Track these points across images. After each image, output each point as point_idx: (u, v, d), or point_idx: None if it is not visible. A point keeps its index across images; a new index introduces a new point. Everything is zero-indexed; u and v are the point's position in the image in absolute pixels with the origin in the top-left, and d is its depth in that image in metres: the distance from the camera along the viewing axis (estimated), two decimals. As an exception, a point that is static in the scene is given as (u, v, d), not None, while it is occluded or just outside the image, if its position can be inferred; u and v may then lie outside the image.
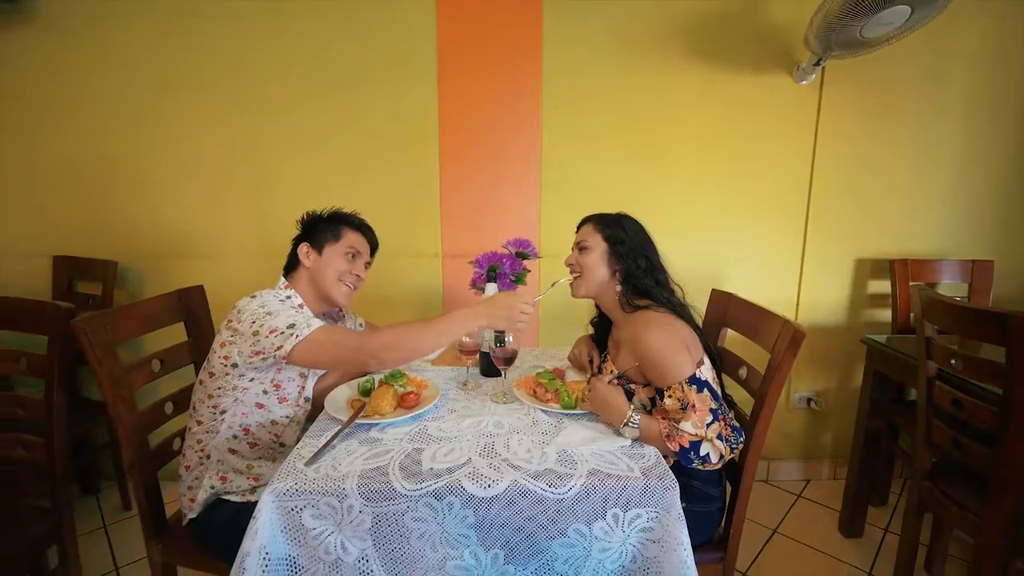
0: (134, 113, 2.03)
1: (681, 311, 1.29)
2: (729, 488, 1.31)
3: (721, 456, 1.13)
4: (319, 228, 1.36)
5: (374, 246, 1.46)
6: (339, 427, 1.12)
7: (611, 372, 1.40)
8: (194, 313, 1.50)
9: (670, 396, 1.19)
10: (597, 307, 1.48)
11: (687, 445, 1.12)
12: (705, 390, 1.16)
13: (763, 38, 2.04)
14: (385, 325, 1.29)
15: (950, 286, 2.18)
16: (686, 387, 1.16)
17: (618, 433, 1.14)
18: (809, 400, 2.32)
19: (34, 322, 1.34)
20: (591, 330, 1.56)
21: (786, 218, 2.18)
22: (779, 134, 2.12)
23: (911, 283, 2.11)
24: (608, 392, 1.16)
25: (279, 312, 1.18)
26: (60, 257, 2.11)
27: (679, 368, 1.17)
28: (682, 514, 0.96)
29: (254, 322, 1.16)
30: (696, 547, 1.00)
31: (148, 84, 2.01)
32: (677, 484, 0.97)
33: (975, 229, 2.21)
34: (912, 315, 2.09)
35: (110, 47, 1.99)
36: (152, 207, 2.10)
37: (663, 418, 1.17)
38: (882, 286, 2.23)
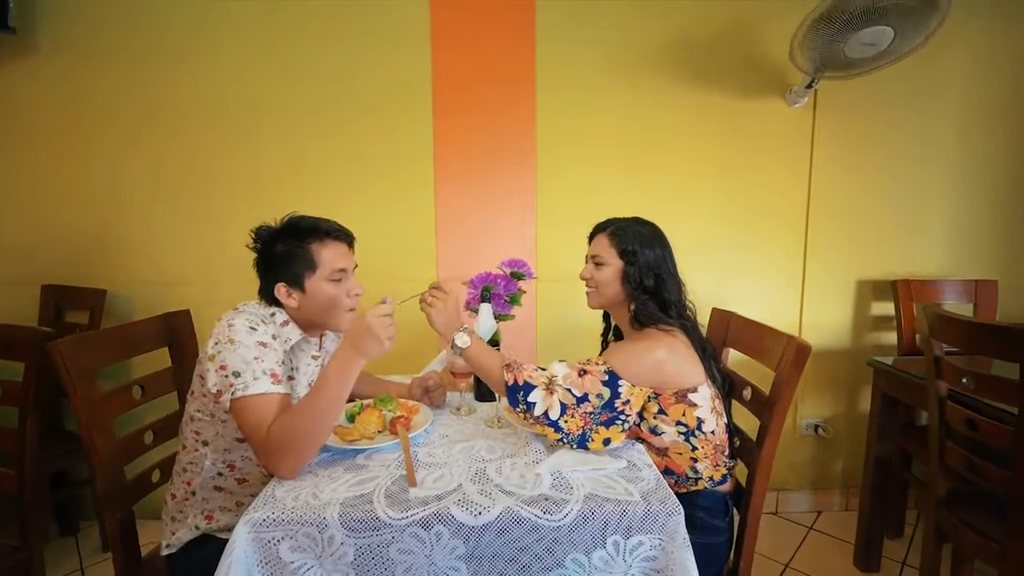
0: (127, 141, 2.03)
1: (692, 332, 1.24)
2: (737, 518, 1.24)
3: (547, 417, 1.07)
4: (285, 259, 1.15)
5: (351, 240, 1.25)
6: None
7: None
8: (179, 338, 1.45)
9: (589, 360, 1.16)
10: (606, 316, 1.48)
11: (520, 382, 1.09)
12: (607, 390, 1.11)
13: (754, 62, 2.06)
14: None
15: (954, 307, 2.14)
16: (601, 366, 1.13)
17: (451, 348, 1.14)
18: (817, 427, 2.25)
19: (8, 347, 1.30)
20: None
21: (785, 240, 2.16)
22: (774, 157, 2.12)
23: (915, 303, 2.07)
24: (452, 296, 1.16)
25: (239, 345, 1.04)
26: (48, 286, 2.08)
27: (621, 359, 1.15)
28: (688, 540, 0.90)
29: (216, 343, 1.05)
30: (703, 583, 0.93)
31: (141, 112, 2.02)
32: (681, 508, 0.91)
33: (977, 248, 2.18)
34: (918, 336, 2.06)
35: (106, 76, 2.00)
36: (145, 233, 2.08)
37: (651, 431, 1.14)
38: (885, 307, 2.19)
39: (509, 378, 1.10)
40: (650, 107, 2.08)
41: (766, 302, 2.16)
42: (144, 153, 2.04)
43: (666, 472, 1.23)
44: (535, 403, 1.08)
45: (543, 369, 1.16)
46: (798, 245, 2.16)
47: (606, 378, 1.12)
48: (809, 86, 1.93)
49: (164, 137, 2.04)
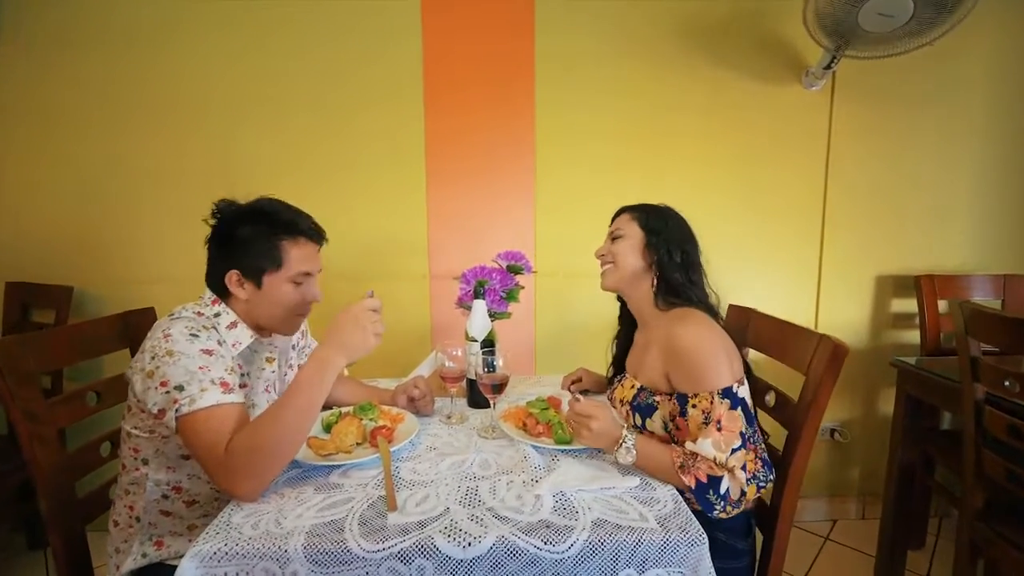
0: (100, 135, 1.90)
1: (718, 319, 1.14)
2: (760, 538, 1.11)
3: (743, 494, 0.94)
4: (247, 246, 1.01)
5: (323, 241, 1.11)
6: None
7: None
8: (141, 339, 1.31)
9: (694, 406, 1.00)
10: (622, 309, 1.33)
11: (704, 480, 0.93)
12: (739, 410, 0.98)
13: (767, 44, 1.93)
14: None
15: (981, 303, 2.01)
16: (717, 399, 0.98)
17: (615, 463, 0.97)
18: (833, 431, 2.12)
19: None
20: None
21: (799, 234, 2.03)
22: (788, 146, 1.99)
23: (939, 300, 1.95)
24: (596, 408, 0.98)
25: (180, 356, 0.91)
26: (13, 283, 1.94)
27: (714, 374, 0.99)
28: (713, 574, 0.77)
29: (153, 358, 0.92)
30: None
31: (116, 107, 1.89)
32: (705, 537, 0.78)
33: (1004, 242, 2.05)
34: (942, 335, 1.93)
35: (79, 70, 1.88)
36: (119, 229, 1.94)
37: (676, 443, 1.00)
38: (906, 304, 2.06)
39: (689, 479, 0.94)
40: (658, 97, 1.95)
41: (780, 299, 2.03)
42: (119, 148, 1.91)
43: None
44: (728, 490, 0.94)
45: (695, 444, 0.99)
46: (814, 239, 2.03)
47: (729, 403, 0.98)
48: (828, 67, 1.79)
49: (141, 132, 1.91)
